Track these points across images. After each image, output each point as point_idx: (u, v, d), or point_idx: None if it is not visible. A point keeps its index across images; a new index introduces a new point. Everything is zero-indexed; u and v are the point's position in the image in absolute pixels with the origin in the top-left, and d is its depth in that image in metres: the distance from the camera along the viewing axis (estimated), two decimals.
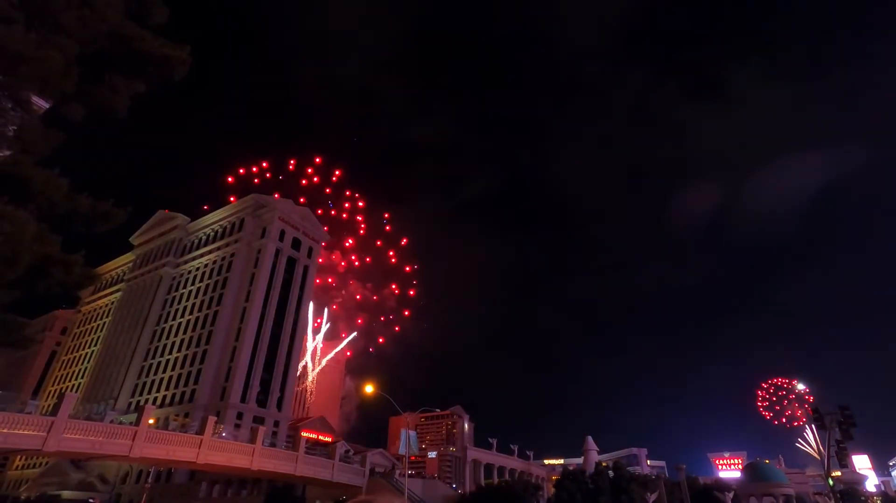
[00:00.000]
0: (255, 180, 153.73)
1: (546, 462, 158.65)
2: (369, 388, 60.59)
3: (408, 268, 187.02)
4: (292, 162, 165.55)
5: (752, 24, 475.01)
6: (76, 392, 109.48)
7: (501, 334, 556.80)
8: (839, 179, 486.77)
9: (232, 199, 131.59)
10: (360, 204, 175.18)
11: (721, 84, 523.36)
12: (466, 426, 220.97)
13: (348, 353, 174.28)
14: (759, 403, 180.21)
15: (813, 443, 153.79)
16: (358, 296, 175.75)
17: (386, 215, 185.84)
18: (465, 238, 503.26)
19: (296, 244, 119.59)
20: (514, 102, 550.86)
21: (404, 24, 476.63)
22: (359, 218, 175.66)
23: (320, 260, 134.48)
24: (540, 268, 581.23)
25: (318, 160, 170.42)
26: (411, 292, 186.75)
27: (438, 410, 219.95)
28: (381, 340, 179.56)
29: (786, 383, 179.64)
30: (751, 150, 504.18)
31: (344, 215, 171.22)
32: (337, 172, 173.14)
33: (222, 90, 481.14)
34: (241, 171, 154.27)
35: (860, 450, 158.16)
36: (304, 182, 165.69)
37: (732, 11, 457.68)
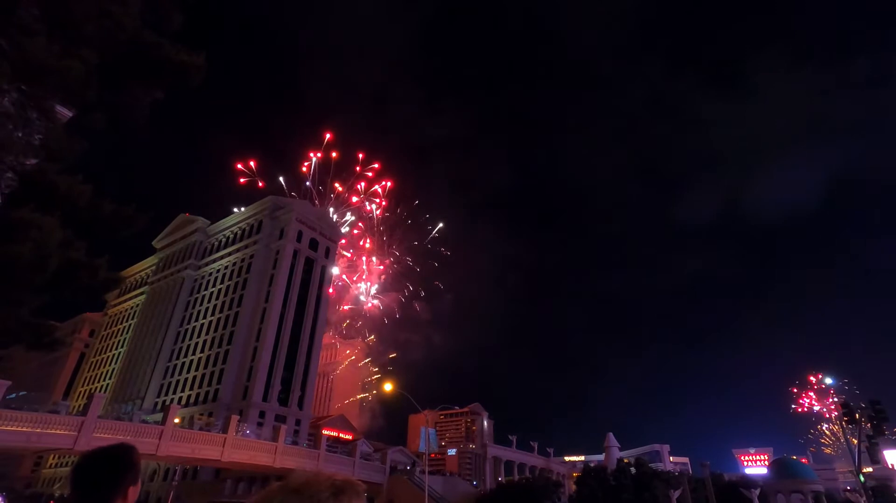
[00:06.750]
0: (267, 181, 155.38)
1: (567, 459, 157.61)
2: (388, 387, 61.08)
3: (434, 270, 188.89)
4: (307, 162, 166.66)
5: (772, 12, 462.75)
6: (104, 392, 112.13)
7: (521, 332, 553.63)
8: (862, 169, 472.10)
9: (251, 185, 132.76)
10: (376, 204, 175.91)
11: (740, 74, 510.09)
12: (486, 423, 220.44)
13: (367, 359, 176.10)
14: (798, 404, 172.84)
15: (836, 437, 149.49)
16: (371, 298, 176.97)
17: (429, 228, 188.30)
18: (481, 237, 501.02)
19: (313, 244, 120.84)
20: (526, 100, 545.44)
21: (416, 23, 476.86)
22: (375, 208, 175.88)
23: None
24: (559, 265, 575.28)
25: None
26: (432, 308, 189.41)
27: (457, 408, 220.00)
28: (397, 348, 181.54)
29: (817, 378, 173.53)
30: (771, 140, 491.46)
31: (367, 204, 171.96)
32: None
33: (236, 93, 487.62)
34: (261, 183, 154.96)
35: (893, 446, 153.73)
36: (321, 185, 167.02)
37: None
